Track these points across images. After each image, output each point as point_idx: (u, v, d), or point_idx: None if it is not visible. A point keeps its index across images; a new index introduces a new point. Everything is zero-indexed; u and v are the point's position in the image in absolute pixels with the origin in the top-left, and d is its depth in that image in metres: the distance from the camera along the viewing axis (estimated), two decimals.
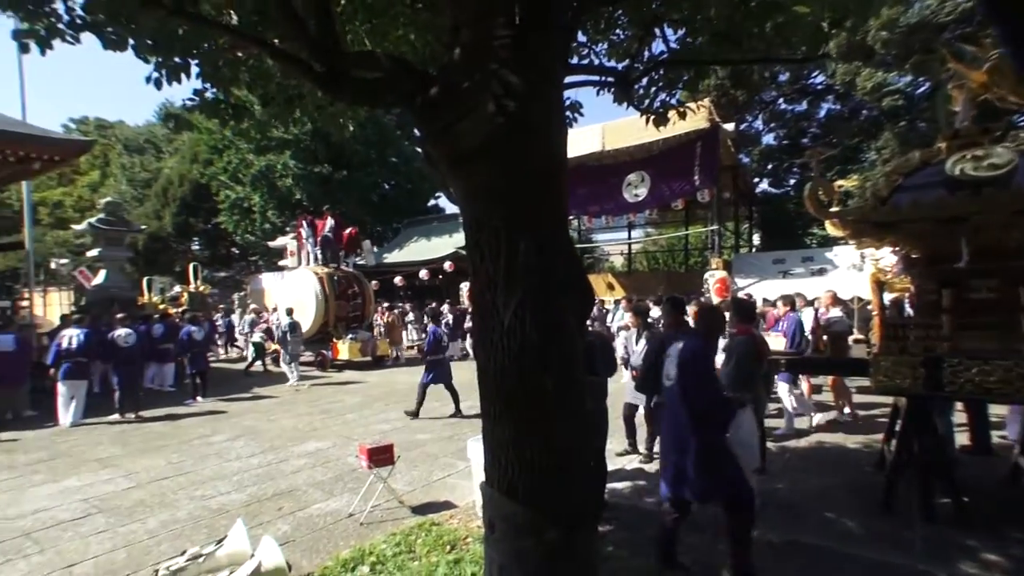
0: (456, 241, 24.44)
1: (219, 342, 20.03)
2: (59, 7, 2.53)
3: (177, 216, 33.84)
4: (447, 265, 20.69)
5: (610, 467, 5.65)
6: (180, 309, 16.79)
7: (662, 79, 3.01)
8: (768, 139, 24.84)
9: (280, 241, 23.97)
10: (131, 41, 2.64)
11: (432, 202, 35.12)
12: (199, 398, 10.59)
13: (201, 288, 20.55)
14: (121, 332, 9.37)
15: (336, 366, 15.46)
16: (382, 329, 16.96)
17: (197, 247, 38.09)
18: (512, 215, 1.99)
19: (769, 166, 24.71)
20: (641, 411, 6.34)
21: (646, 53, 2.94)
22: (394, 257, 25.53)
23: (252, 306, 20.47)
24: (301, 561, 4.19)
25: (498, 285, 2.06)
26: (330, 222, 17.05)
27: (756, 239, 20.21)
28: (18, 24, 2.51)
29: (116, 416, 9.11)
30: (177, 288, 22.47)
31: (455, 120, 1.99)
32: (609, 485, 5.19)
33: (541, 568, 1.90)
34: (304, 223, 17.30)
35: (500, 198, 2.00)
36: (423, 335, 17.49)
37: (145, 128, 45.72)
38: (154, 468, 6.52)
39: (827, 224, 4.81)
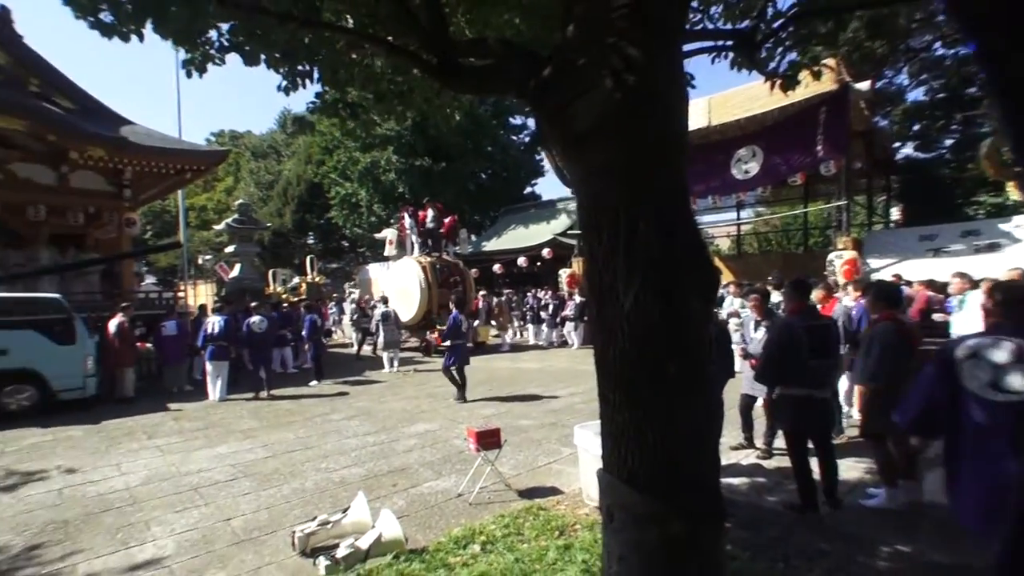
0: (554, 228, 24.33)
1: (333, 329, 21.33)
2: (212, 35, 2.76)
3: (295, 213, 36.42)
4: (545, 252, 20.67)
5: (723, 461, 5.39)
6: (299, 298, 17.95)
7: (791, 36, 2.72)
8: (916, 95, 21.05)
9: (385, 233, 25.06)
10: (263, 56, 2.83)
11: (528, 189, 35.25)
12: (317, 381, 11.26)
13: (317, 279, 21.94)
14: (255, 319, 10.22)
15: (439, 351, 15.93)
16: (483, 316, 17.28)
17: (312, 241, 40.81)
18: (632, 193, 1.90)
19: (916, 127, 20.99)
20: (759, 403, 5.97)
21: (769, 9, 2.68)
22: (492, 245, 25.87)
23: (352, 295, 21.61)
24: (416, 535, 4.34)
25: (617, 267, 1.97)
26: (431, 212, 17.54)
27: (894, 213, 17.78)
28: (183, 54, 2.78)
29: (251, 394, 9.94)
30: (296, 279, 24.11)
31: (571, 99, 1.93)
32: (724, 480, 4.94)
33: (665, 562, 1.81)
34: (407, 214, 17.89)
35: (619, 176, 1.91)
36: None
37: (268, 135, 49.46)
38: (285, 441, 7.05)
39: (1010, 187, 4.14)
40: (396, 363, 12.84)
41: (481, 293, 18.93)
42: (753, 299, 5.73)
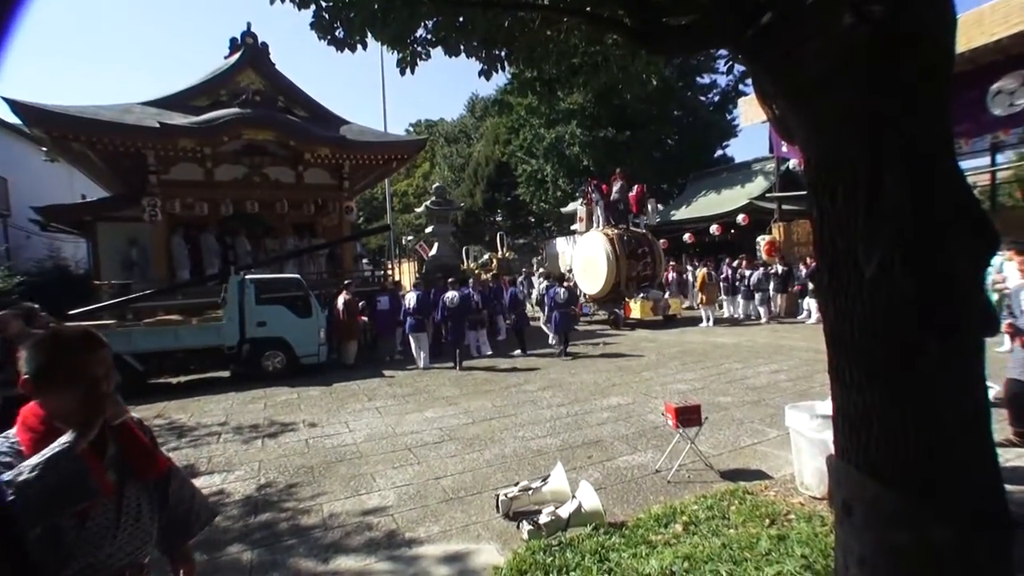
0: (749, 192, 22.56)
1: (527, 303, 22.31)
2: (420, 33, 2.98)
3: (485, 193, 38.57)
4: (740, 218, 19.27)
5: None
6: (492, 273, 19.00)
7: None
8: None
9: (571, 207, 25.43)
10: (462, 45, 2.98)
11: (719, 152, 32.93)
12: (521, 352, 11.93)
13: (506, 254, 23.08)
14: (450, 294, 11.11)
15: (628, 324, 15.83)
16: (673, 288, 16.76)
17: (501, 218, 42.95)
18: (879, 144, 1.65)
19: None
20: None
21: None
22: (682, 214, 24.82)
23: (540, 270, 22.25)
24: (613, 508, 4.39)
25: (857, 229, 1.75)
26: (617, 184, 17.31)
27: None
28: (393, 54, 3.07)
29: (451, 364, 10.88)
30: (487, 255, 25.58)
31: (798, 44, 1.73)
32: None
33: (922, 573, 1.57)
34: (592, 187, 17.89)
35: (862, 125, 1.68)
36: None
37: (458, 121, 52.86)
38: (484, 409, 7.59)
39: None
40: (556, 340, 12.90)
41: (671, 264, 18.29)
42: (1019, 262, 4.71)
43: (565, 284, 12.78)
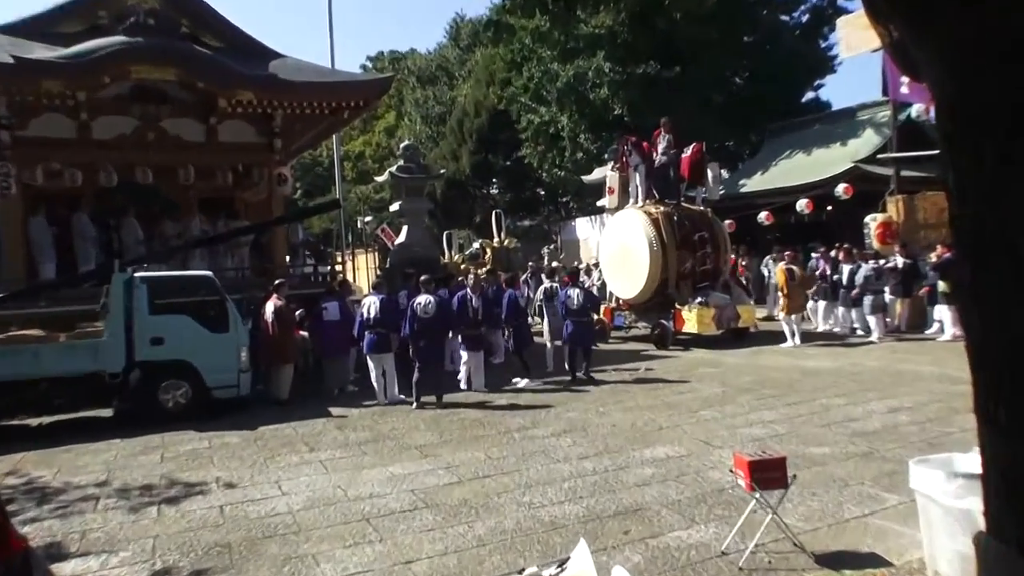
0: (852, 151, 22.58)
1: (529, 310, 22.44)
2: None
3: (475, 154, 38.72)
4: (840, 189, 19.23)
5: None
6: (484, 269, 19.01)
7: None
8: None
9: (597, 174, 25.49)
10: None
11: (809, 95, 32.80)
12: (524, 379, 11.98)
13: (506, 242, 23.14)
14: (422, 299, 11.12)
15: (680, 342, 15.86)
16: (750, 291, 16.90)
17: (497, 190, 43.07)
18: None
19: None
20: None
21: None
22: (755, 183, 24.91)
23: (554, 265, 22.31)
24: None
25: (1014, 205, 1.72)
26: (663, 141, 17.33)
27: None
28: None
29: (425, 397, 10.88)
30: (477, 243, 25.61)
31: None
32: None
33: None
34: (627, 146, 17.90)
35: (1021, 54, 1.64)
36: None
37: (436, 54, 52.96)
38: (474, 463, 7.58)
39: None
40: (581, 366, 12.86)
41: (740, 255, 18.29)
42: None
43: (581, 283, 13.03)
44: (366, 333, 11.38)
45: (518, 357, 12.51)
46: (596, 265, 20.54)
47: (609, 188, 18.94)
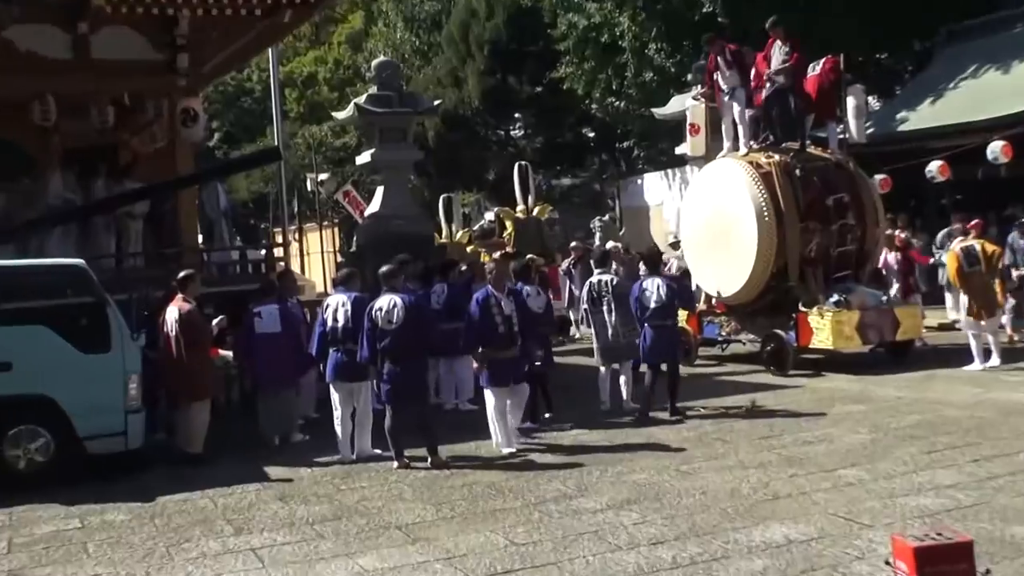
0: None
1: (570, 315, 22.37)
2: None
3: (487, 76, 38.69)
4: None
5: None
6: (501, 252, 19.01)
7: None
8: None
9: (676, 106, 25.32)
10: None
11: None
12: (545, 416, 12.13)
13: (536, 210, 23.14)
14: (382, 303, 11.01)
15: (806, 362, 15.84)
16: (909, 280, 16.80)
17: (521, 131, 42.96)
18: None
19: None
20: None
21: None
22: (921, 118, 24.70)
23: (610, 244, 22.21)
24: None
25: None
26: (778, 54, 17.18)
27: None
28: None
29: (425, 455, 10.87)
30: (490, 213, 25.56)
31: None
32: None
33: None
34: (721, 61, 17.76)
35: None
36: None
37: None
38: (488, 551, 7.51)
39: None
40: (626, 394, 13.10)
41: (896, 229, 18.12)
42: None
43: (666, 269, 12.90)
44: (331, 351, 11.41)
45: (539, 387, 12.62)
46: (675, 244, 20.45)
47: (693, 126, 18.86)
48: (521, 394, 11.72)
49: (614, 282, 13.81)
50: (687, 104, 20.02)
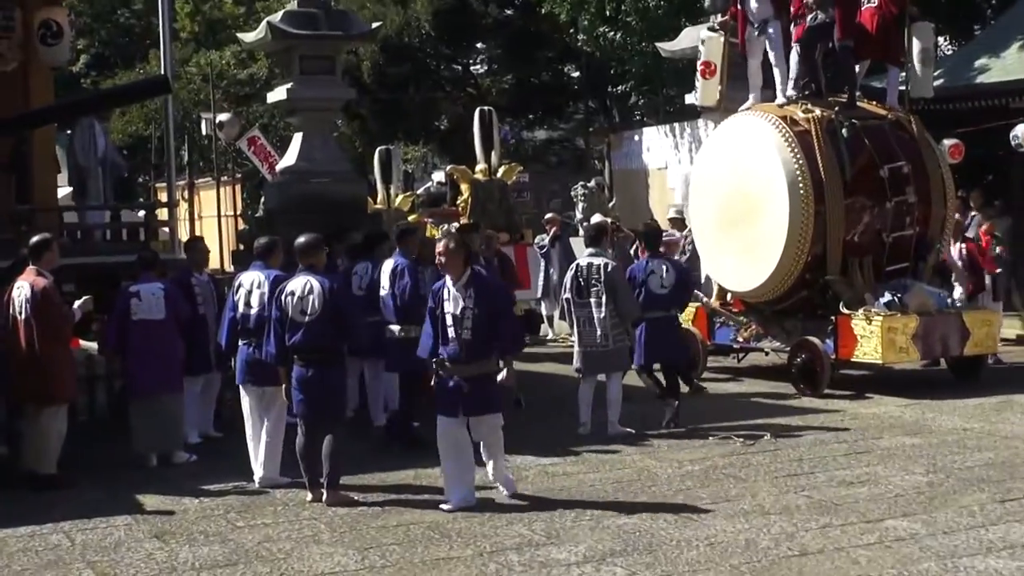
0: None
1: (539, 308, 22.33)
2: None
3: None
4: None
5: None
6: (460, 222, 19.00)
7: None
8: None
9: (687, 41, 25.31)
10: None
11: None
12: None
13: (500, 170, 23.09)
14: (295, 286, 10.96)
15: (846, 380, 15.99)
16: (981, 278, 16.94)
17: (484, 67, 42.76)
18: None
19: None
20: None
21: None
22: (1004, 68, 24.76)
23: (596, 218, 22.23)
24: None
25: None
26: None
27: None
28: None
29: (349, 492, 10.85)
30: (440, 173, 25.47)
31: None
32: None
33: None
34: None
35: None
36: None
37: None
38: None
39: None
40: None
41: (973, 209, 18.25)
42: None
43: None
44: (240, 345, 11.47)
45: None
46: (679, 221, 20.47)
47: (707, 65, 18.82)
48: (490, 429, 10.85)
49: (608, 268, 13.57)
50: (702, 37, 19.93)
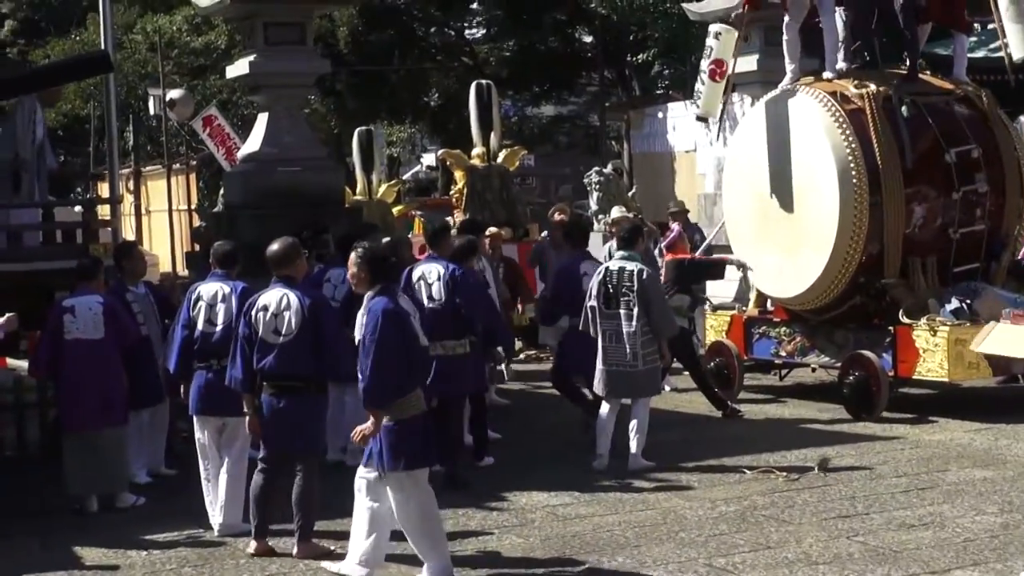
0: None
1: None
2: None
3: None
4: None
5: None
6: (453, 219, 19.06)
7: None
8: None
9: (720, 1, 25.32)
10: None
11: None
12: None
13: (501, 155, 23.14)
14: (268, 300, 10.92)
15: (906, 401, 15.99)
16: None
17: (481, 32, 42.72)
18: None
19: None
20: None
21: None
22: None
23: (616, 212, 22.22)
24: None
25: None
26: None
27: None
28: None
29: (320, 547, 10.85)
30: (429, 159, 25.48)
31: None
32: None
33: None
34: None
35: None
36: None
37: None
38: None
39: None
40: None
41: None
42: None
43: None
44: (197, 369, 11.44)
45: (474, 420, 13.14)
46: (679, 213, 20.46)
47: (717, 65, 18.72)
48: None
49: (644, 275, 13.57)
50: (714, 31, 19.64)
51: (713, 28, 18.94)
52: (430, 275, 12.69)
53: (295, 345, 10.40)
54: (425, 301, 12.46)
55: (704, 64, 17.83)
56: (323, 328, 10.82)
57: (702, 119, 17.95)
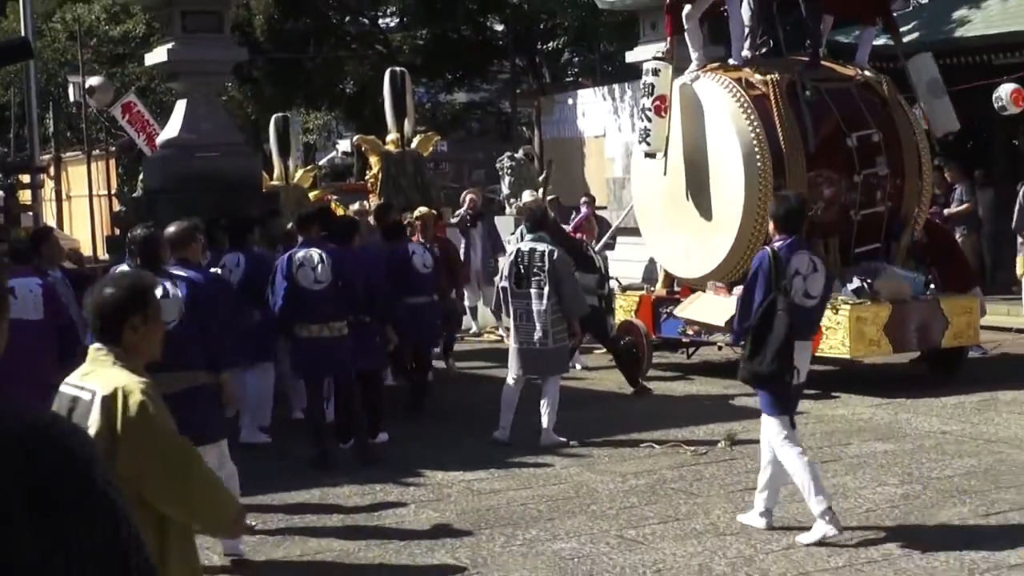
0: None
1: (463, 303, 22.38)
2: None
3: None
4: None
5: None
6: (366, 202, 18.98)
7: None
8: None
9: None
10: None
11: None
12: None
13: (415, 140, 23.06)
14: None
15: (812, 378, 15.91)
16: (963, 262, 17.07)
17: (393, 22, 42.52)
18: None
19: None
20: None
21: None
22: (986, 20, 24.88)
23: (527, 195, 22.25)
24: None
25: None
26: None
27: None
28: None
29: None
30: (344, 145, 25.35)
31: None
32: None
33: None
34: None
35: None
36: None
37: None
38: None
39: None
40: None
41: (952, 181, 18.37)
42: None
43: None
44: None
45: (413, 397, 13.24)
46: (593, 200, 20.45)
47: (661, 101, 18.72)
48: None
49: (554, 256, 13.65)
50: (650, 67, 19.42)
51: (648, 66, 18.81)
52: (310, 260, 12.54)
53: (184, 328, 10.17)
54: (311, 285, 12.52)
55: (647, 102, 17.65)
56: (207, 316, 10.56)
57: (650, 156, 17.82)
